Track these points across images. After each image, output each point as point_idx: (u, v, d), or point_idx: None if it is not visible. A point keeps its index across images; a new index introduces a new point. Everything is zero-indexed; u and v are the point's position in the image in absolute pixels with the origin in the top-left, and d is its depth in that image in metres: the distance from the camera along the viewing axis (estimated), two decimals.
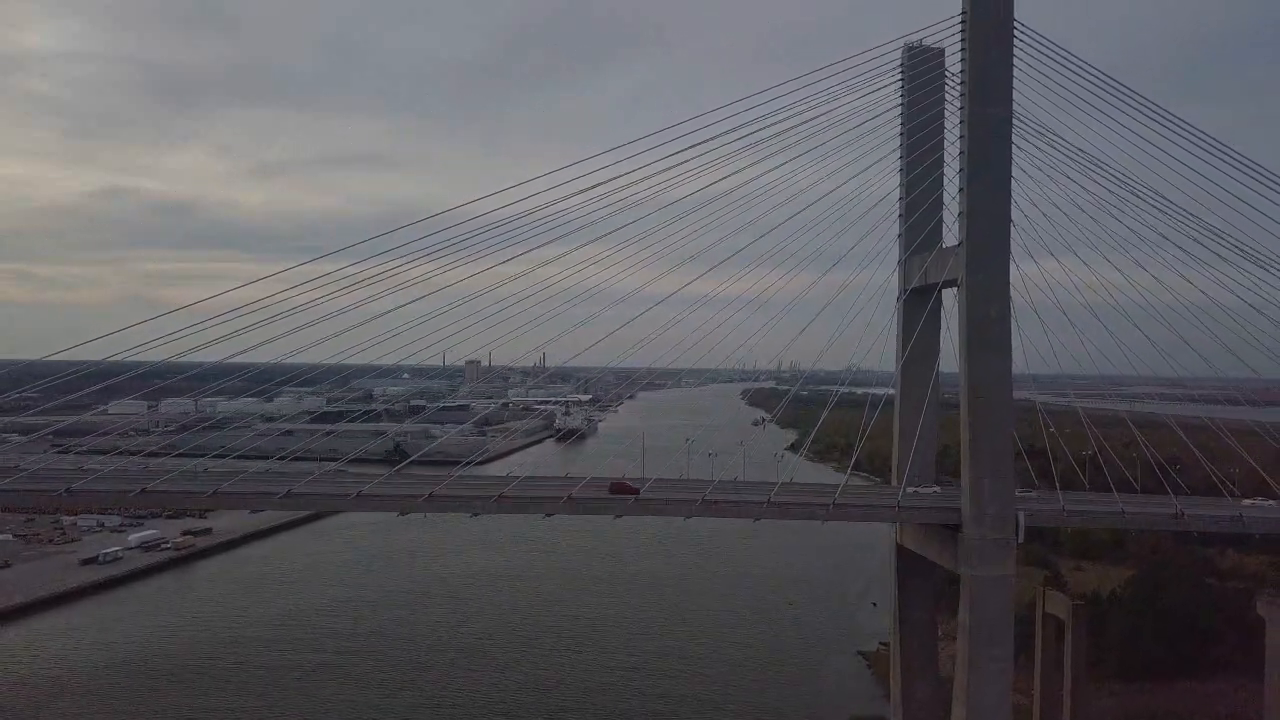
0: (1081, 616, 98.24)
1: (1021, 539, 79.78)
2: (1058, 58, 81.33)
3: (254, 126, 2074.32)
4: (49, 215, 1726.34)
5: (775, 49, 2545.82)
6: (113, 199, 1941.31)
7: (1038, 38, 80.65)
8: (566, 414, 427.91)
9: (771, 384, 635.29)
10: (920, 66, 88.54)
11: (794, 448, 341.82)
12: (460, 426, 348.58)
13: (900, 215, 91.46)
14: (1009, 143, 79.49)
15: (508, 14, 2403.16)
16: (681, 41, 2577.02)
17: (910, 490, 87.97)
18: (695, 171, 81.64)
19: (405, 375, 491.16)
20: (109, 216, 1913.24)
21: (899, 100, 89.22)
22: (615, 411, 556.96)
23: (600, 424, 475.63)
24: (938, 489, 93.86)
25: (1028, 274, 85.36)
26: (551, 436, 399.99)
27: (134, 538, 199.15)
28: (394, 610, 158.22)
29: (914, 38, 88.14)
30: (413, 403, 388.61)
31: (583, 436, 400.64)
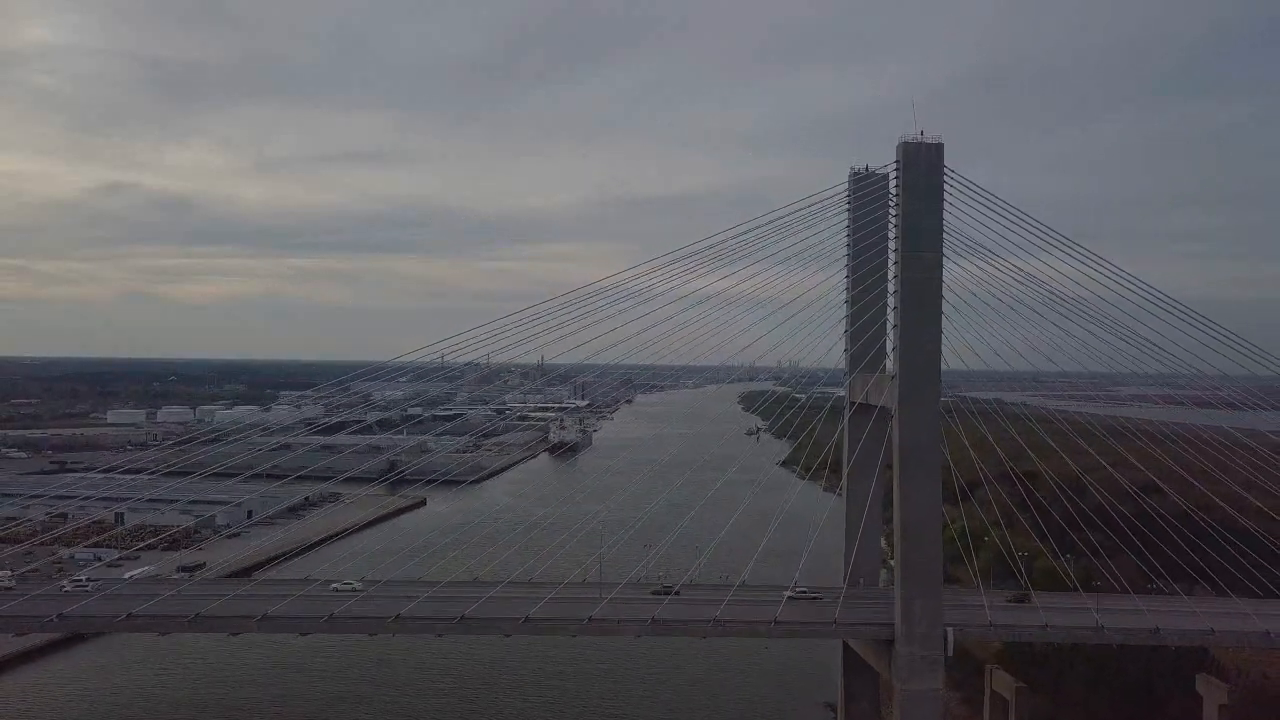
0: (1024, 695, 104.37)
1: (950, 654, 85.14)
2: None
3: (255, 123, 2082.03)
4: (50, 210, 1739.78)
5: (776, 49, 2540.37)
6: (114, 194, 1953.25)
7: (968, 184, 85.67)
8: (562, 427, 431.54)
9: (771, 384, 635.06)
10: (865, 190, 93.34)
11: (787, 463, 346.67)
12: (457, 439, 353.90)
13: (846, 333, 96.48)
14: (939, 284, 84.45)
15: (510, 12, 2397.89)
16: (682, 41, 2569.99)
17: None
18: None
19: (402, 379, 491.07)
20: (110, 212, 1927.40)
21: (845, 224, 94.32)
22: (611, 419, 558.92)
23: (596, 434, 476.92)
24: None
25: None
26: (547, 450, 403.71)
27: (129, 575, 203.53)
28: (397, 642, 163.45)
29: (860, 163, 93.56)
30: (408, 411, 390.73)
31: (577, 450, 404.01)
